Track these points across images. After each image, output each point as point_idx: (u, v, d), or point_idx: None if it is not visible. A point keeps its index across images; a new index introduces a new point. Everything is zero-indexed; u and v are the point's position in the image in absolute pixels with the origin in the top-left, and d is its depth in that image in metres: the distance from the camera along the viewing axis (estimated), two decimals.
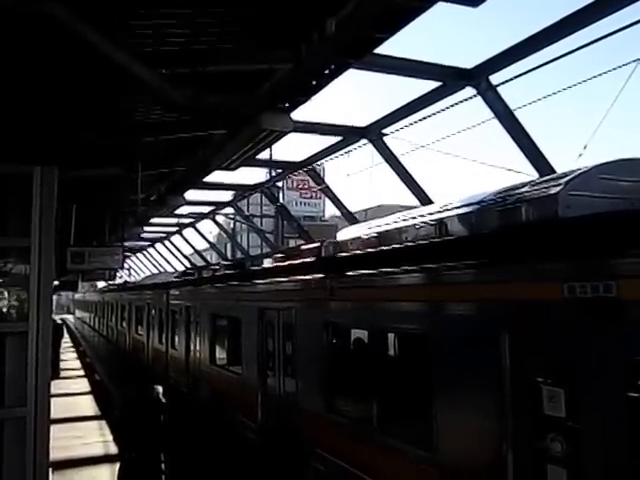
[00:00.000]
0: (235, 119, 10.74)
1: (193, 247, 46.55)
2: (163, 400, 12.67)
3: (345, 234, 14.43)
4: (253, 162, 21.67)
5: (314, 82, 9.90)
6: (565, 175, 9.11)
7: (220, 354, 20.88)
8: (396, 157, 17.53)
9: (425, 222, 11.00)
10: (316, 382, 12.76)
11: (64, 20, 7.45)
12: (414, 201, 17.80)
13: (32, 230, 7.14)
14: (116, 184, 17.63)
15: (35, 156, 7.98)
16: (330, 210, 66.06)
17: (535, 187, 9.27)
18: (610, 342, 6.47)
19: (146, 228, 36.93)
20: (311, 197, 67.09)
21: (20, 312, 7.56)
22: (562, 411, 6.93)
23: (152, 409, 12.47)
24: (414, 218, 11.59)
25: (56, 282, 41.89)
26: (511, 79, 12.37)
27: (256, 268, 20.60)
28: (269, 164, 27.98)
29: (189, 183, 19.93)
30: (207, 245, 47.18)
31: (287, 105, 10.59)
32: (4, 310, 8.06)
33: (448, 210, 10.76)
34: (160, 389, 12.85)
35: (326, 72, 9.54)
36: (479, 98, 13.40)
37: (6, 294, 8.11)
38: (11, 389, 7.18)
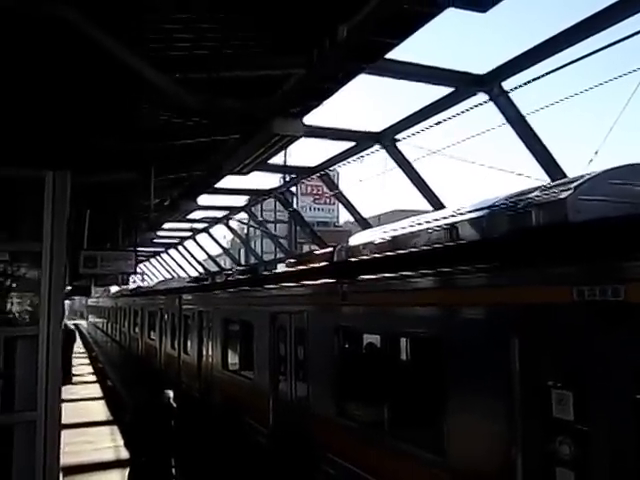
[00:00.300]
0: (247, 124, 10.76)
1: (207, 252, 46.58)
2: (174, 405, 12.67)
3: (357, 239, 14.43)
4: (267, 167, 21.70)
5: (326, 87, 9.92)
6: (575, 180, 9.14)
7: (232, 359, 20.88)
8: (409, 162, 17.52)
9: (436, 227, 11.01)
10: (327, 386, 12.77)
11: (77, 24, 7.46)
12: (427, 206, 17.77)
13: (44, 234, 7.16)
14: (129, 189, 17.64)
15: (48, 160, 8.01)
16: (344, 216, 66.20)
17: (545, 192, 9.30)
18: (618, 345, 6.50)
19: (160, 233, 36.97)
20: (325, 203, 67.03)
21: (31, 316, 7.57)
22: (571, 414, 6.94)
23: (163, 414, 12.47)
24: (426, 223, 11.60)
25: (69, 287, 41.98)
26: (523, 84, 12.37)
27: (268, 273, 20.62)
28: (283, 169, 27.98)
29: (202, 188, 19.95)
30: (221, 251, 47.16)
31: (299, 110, 10.61)
32: (15, 314, 8.07)
33: (459, 215, 10.78)
34: (171, 394, 12.84)
35: (337, 77, 9.56)
36: (491, 103, 13.38)
37: (17, 298, 8.13)
38: (21, 393, 7.20)
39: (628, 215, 7.60)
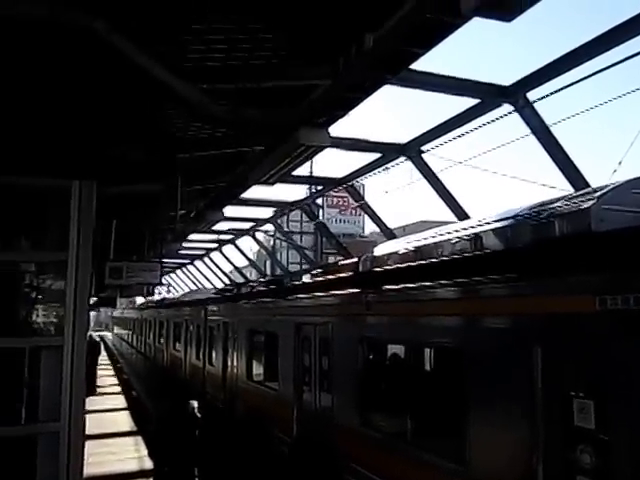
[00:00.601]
0: (273, 134, 10.77)
1: (232, 264, 46.60)
2: (198, 415, 12.68)
3: (382, 249, 14.44)
4: (293, 179, 21.69)
5: (351, 96, 9.89)
6: (598, 190, 9.20)
7: (256, 369, 20.89)
8: (434, 173, 17.50)
9: (461, 237, 11.06)
10: (351, 396, 12.77)
11: (104, 34, 7.48)
12: (453, 217, 17.73)
13: (70, 244, 7.15)
14: (156, 200, 17.69)
15: (74, 170, 8.01)
16: (369, 227, 66.17)
17: (568, 202, 9.36)
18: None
19: (186, 245, 37.09)
20: (350, 214, 66.97)
21: (56, 328, 7.57)
22: (592, 423, 6.95)
23: (187, 424, 12.48)
24: (450, 233, 11.63)
25: (94, 298, 42.14)
26: (548, 95, 12.32)
27: (293, 283, 20.64)
28: (309, 181, 28.00)
29: (227, 198, 19.99)
30: (246, 262, 47.16)
31: (324, 120, 10.59)
32: (40, 324, 8.08)
33: (483, 225, 10.84)
34: (195, 404, 12.86)
35: (363, 87, 9.53)
36: (515, 114, 13.34)
37: (42, 310, 8.14)
38: (45, 404, 7.18)
39: None
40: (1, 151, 9.28)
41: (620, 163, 11.94)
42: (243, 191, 19.24)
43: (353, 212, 64.88)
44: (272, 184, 13.53)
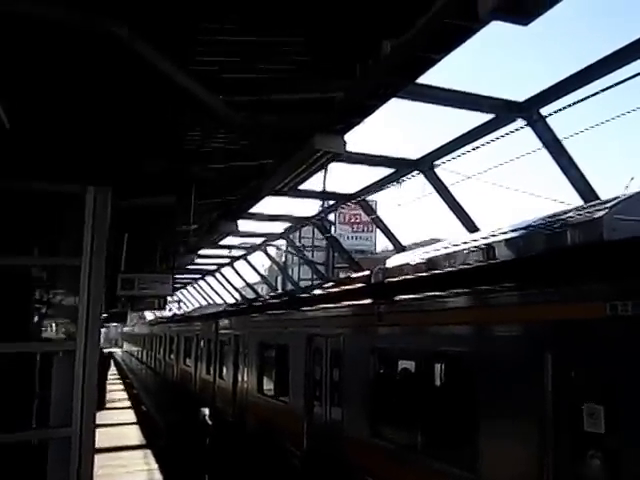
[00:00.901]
0: (289, 140, 10.76)
1: (244, 279, 46.61)
2: (209, 422, 12.68)
3: (394, 261, 14.49)
4: (306, 193, 21.73)
5: (367, 104, 9.92)
6: (609, 201, 9.38)
7: (267, 382, 20.90)
8: (446, 188, 17.49)
9: (473, 247, 11.13)
10: (362, 408, 12.80)
11: (128, 42, 7.51)
12: (464, 232, 17.71)
13: (83, 250, 7.14)
14: (169, 213, 17.71)
15: (89, 176, 8.03)
16: (381, 244, 66.28)
17: (581, 212, 9.56)
18: None
19: (197, 260, 37.11)
20: (363, 231, 67.09)
21: (68, 333, 7.57)
22: (602, 428, 7.02)
23: (198, 432, 12.48)
24: (462, 244, 11.69)
25: (105, 314, 42.12)
26: (560, 110, 12.34)
27: (305, 295, 20.65)
28: (322, 196, 28.04)
29: (241, 210, 19.99)
30: (258, 278, 47.17)
31: (341, 127, 10.61)
32: (54, 330, 8.09)
33: (495, 235, 10.92)
34: (207, 411, 12.87)
35: (379, 94, 9.56)
36: (527, 128, 13.36)
37: (55, 315, 8.15)
38: (57, 409, 7.16)
39: None
40: (18, 156, 9.30)
41: (633, 179, 12.06)
42: (257, 202, 19.27)
43: (365, 229, 65.06)
44: (287, 193, 13.56)
